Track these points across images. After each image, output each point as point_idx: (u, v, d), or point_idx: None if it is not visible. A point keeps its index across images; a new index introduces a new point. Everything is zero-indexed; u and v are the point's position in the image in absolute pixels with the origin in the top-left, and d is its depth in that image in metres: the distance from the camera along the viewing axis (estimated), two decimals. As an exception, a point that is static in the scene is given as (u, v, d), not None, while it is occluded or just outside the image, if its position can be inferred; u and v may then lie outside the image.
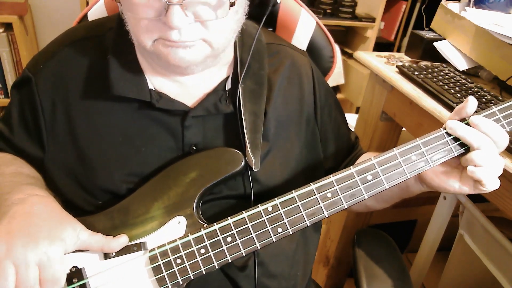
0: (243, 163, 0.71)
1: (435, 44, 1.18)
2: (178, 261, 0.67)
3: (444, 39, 1.20)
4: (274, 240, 0.67)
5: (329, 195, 0.67)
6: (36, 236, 0.60)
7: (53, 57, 0.76)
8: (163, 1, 0.60)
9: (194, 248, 0.67)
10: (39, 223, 0.62)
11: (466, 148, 0.68)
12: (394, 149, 0.68)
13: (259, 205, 0.67)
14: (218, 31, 0.66)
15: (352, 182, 0.68)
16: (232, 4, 0.64)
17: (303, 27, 0.98)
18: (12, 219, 0.62)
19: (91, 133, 0.74)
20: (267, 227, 0.67)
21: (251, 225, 0.67)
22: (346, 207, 0.68)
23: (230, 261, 0.67)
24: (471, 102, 0.68)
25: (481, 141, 0.66)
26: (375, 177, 0.68)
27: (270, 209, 0.67)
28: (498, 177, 0.67)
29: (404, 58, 1.27)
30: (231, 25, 0.68)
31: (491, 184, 0.65)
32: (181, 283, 0.67)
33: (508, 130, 0.69)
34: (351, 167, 0.68)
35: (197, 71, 0.73)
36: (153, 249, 0.68)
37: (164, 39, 0.64)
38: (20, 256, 0.59)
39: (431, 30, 1.25)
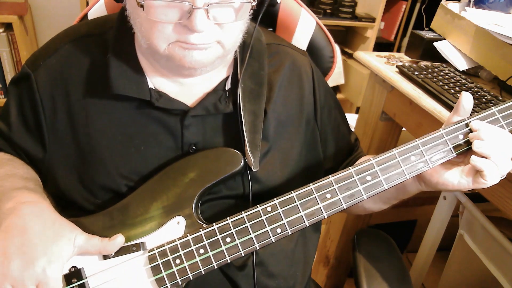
0: (242, 163, 0.71)
1: (435, 44, 1.18)
2: (177, 261, 0.67)
3: (444, 39, 1.19)
4: (273, 241, 0.67)
5: (328, 195, 0.67)
6: (32, 255, 0.60)
7: (54, 54, 0.75)
8: (188, 5, 0.60)
9: (193, 248, 0.67)
10: (34, 240, 0.61)
11: (466, 148, 0.68)
12: (394, 149, 0.68)
13: (258, 205, 0.67)
14: (231, 33, 0.67)
15: (351, 182, 0.67)
16: (253, 7, 0.65)
17: (303, 27, 0.97)
18: (5, 234, 0.61)
19: (91, 131, 0.73)
20: (266, 227, 0.67)
21: (250, 225, 0.67)
22: (345, 207, 0.68)
23: (229, 261, 0.67)
24: (465, 98, 0.68)
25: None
26: (374, 178, 0.68)
27: (269, 209, 0.67)
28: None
29: (404, 58, 1.27)
30: (241, 26, 0.69)
31: (492, 176, 0.64)
32: (180, 283, 0.67)
33: (507, 130, 0.69)
34: (350, 167, 0.68)
35: (205, 72, 0.73)
36: (152, 249, 0.68)
37: (182, 42, 0.64)
38: (18, 278, 0.59)
39: (431, 30, 1.25)
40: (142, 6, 0.61)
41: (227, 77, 0.77)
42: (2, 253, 0.60)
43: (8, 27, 1.85)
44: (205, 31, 0.62)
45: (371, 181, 0.68)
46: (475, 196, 1.11)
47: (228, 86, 0.77)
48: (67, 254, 0.63)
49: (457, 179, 0.68)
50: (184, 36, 0.63)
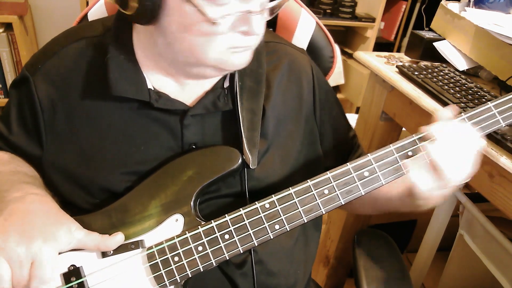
0: (240, 160, 0.71)
1: (435, 44, 1.18)
2: (176, 258, 0.67)
3: (444, 39, 1.20)
4: (272, 237, 0.67)
5: (326, 191, 0.67)
6: (30, 233, 0.60)
7: (52, 57, 0.75)
8: (247, 11, 0.62)
9: (192, 245, 0.67)
10: (34, 221, 0.62)
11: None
12: (391, 145, 0.69)
13: (256, 202, 0.67)
14: (264, 29, 0.69)
15: (349, 178, 0.68)
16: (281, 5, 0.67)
17: (303, 27, 0.98)
18: (9, 216, 0.62)
19: (91, 132, 0.73)
20: (264, 224, 0.67)
21: (248, 222, 0.67)
22: (343, 203, 0.68)
23: (227, 258, 0.67)
24: (443, 113, 0.69)
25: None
26: (371, 173, 0.68)
27: (267, 206, 0.67)
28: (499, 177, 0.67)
29: (404, 58, 1.27)
30: None
31: (448, 167, 0.65)
32: (178, 280, 0.67)
33: (504, 125, 0.69)
34: (347, 163, 0.68)
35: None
36: (150, 247, 0.68)
37: (236, 47, 0.66)
38: (14, 254, 0.59)
39: (431, 30, 1.25)
40: (215, 23, 0.61)
41: (226, 76, 0.77)
42: (1, 230, 0.60)
43: (8, 27, 1.85)
44: None
45: (369, 177, 0.68)
46: (475, 196, 1.11)
47: (226, 84, 0.77)
48: (64, 241, 0.63)
49: (422, 177, 0.67)
50: (240, 40, 0.65)
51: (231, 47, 0.65)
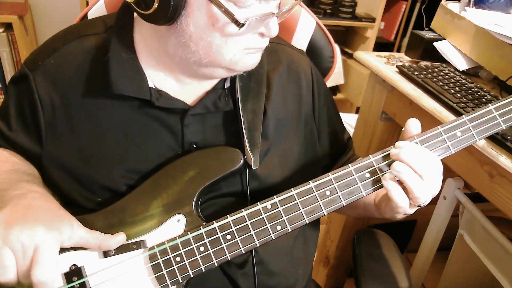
0: (242, 161, 0.71)
1: (435, 44, 1.18)
2: (178, 259, 0.67)
3: (444, 39, 1.20)
4: (273, 238, 0.67)
5: (327, 192, 0.67)
6: (33, 224, 0.60)
7: (52, 54, 0.75)
8: (270, 13, 0.63)
9: (194, 246, 0.67)
10: (37, 215, 0.61)
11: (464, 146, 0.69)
12: (391, 147, 0.68)
13: (258, 203, 0.67)
14: None
15: (350, 179, 0.68)
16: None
17: (303, 27, 0.98)
18: (12, 208, 0.61)
19: (92, 130, 0.73)
20: (266, 224, 0.67)
21: (250, 223, 0.67)
22: (344, 204, 0.68)
23: (229, 258, 0.67)
24: (411, 124, 0.69)
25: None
26: (373, 175, 0.68)
27: (269, 207, 0.67)
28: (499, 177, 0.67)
29: (404, 58, 1.27)
30: None
31: (418, 190, 0.64)
32: (180, 281, 0.67)
33: (505, 127, 0.70)
34: (349, 165, 0.68)
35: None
36: (152, 247, 0.68)
37: (251, 48, 0.67)
38: (17, 243, 0.58)
39: (431, 30, 1.26)
40: (241, 25, 0.61)
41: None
42: (4, 221, 0.60)
43: (8, 27, 1.86)
44: None
45: (370, 179, 0.68)
46: (475, 196, 1.11)
47: (227, 84, 0.77)
48: (66, 234, 0.62)
49: (401, 198, 0.66)
50: (256, 42, 0.66)
51: (246, 48, 0.66)
